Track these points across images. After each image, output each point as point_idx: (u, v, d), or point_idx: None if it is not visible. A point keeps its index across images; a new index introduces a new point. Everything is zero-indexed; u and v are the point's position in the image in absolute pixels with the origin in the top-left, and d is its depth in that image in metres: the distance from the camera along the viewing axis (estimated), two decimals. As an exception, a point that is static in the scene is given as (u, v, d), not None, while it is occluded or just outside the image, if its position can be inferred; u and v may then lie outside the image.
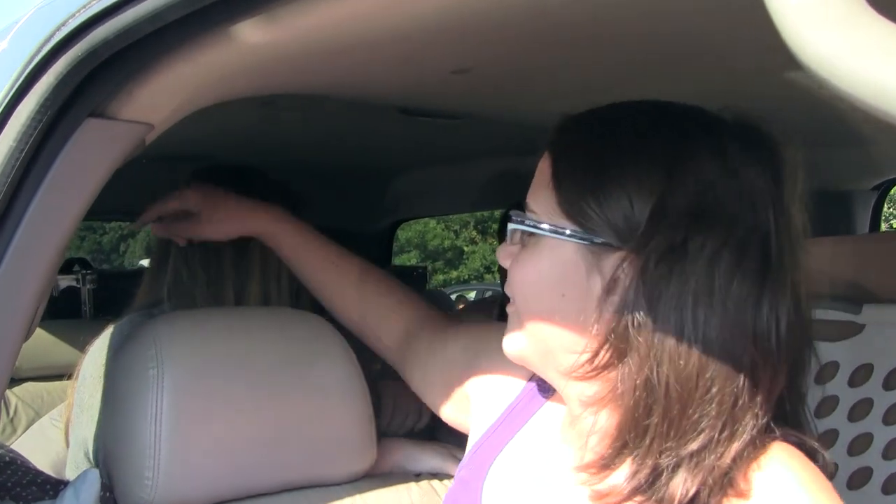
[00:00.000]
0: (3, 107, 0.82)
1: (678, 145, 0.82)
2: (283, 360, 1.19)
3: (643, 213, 0.80)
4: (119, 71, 0.83)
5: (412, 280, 3.28)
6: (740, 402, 0.78)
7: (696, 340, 0.78)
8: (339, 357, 1.24)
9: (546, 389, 1.02)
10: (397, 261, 3.44)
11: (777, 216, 0.81)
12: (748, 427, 0.78)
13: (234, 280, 1.49)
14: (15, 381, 2.31)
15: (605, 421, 0.85)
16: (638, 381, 0.79)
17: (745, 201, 0.80)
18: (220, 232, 1.36)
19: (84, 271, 2.52)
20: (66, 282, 2.49)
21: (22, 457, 1.17)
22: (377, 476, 1.27)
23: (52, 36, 0.81)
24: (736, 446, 0.78)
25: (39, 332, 2.31)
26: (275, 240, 1.35)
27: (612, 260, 0.82)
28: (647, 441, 0.79)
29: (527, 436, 1.02)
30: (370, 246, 3.25)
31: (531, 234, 0.88)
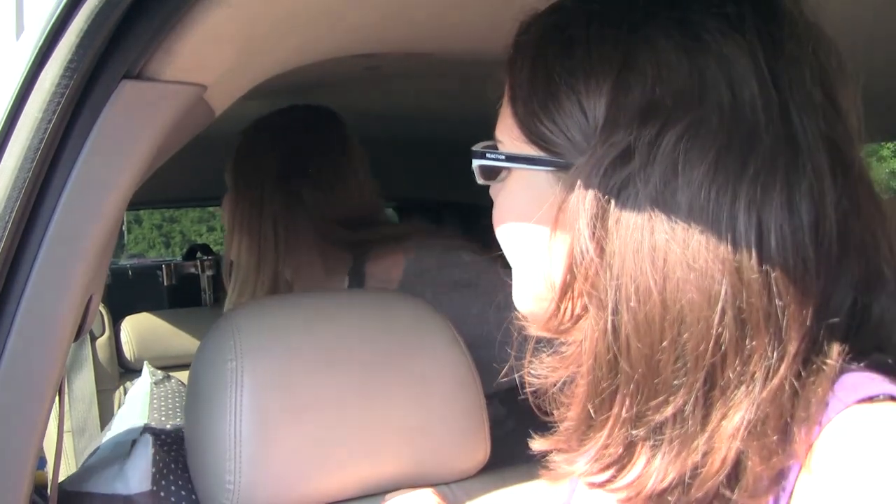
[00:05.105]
0: (24, 75, 0.71)
1: (635, 29, 0.64)
2: (380, 348, 1.07)
3: (598, 119, 0.65)
4: (148, 24, 0.72)
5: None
6: (735, 346, 0.59)
7: (656, 273, 0.60)
8: (444, 343, 1.11)
9: None
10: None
11: (764, 88, 0.61)
12: (758, 379, 0.58)
13: None
14: (134, 372, 2.29)
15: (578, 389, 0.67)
16: (597, 335, 0.63)
17: (713, 79, 0.61)
18: None
19: (204, 257, 2.47)
20: (185, 269, 2.45)
21: None
22: (490, 474, 1.13)
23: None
24: (741, 408, 0.59)
25: (158, 322, 2.29)
26: None
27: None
28: (614, 411, 0.63)
29: None
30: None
31: (501, 168, 0.73)
